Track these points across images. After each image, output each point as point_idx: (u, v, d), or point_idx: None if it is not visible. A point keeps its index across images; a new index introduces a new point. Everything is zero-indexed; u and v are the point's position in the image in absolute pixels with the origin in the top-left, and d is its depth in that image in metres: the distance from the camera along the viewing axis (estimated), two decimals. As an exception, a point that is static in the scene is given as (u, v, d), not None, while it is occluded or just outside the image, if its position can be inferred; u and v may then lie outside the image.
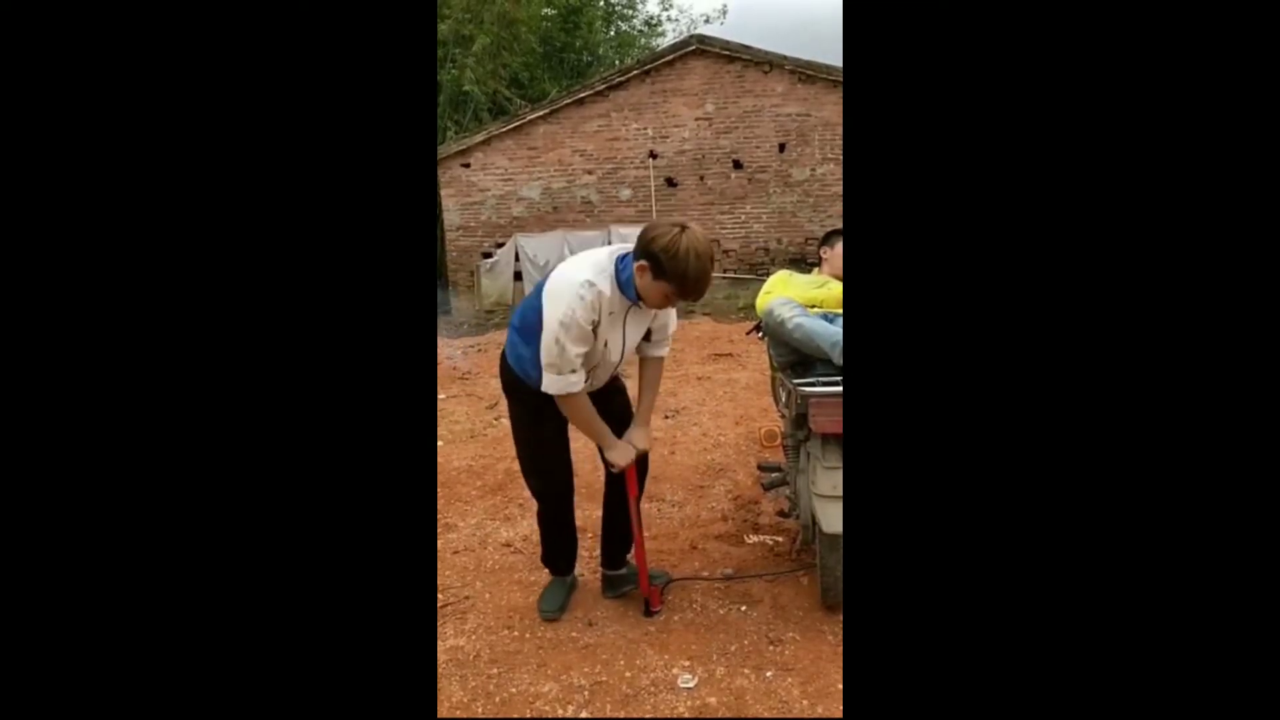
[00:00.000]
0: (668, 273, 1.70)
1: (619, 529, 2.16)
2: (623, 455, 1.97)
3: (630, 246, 1.80)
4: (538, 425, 2.01)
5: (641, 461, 2.10)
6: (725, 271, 8.94)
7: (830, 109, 8.52)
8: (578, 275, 1.77)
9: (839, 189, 8.58)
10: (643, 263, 1.72)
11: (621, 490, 2.09)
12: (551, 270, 1.89)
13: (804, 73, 8.50)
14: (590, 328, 1.77)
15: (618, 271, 1.79)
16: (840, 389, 2.13)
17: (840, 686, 1.79)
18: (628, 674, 1.88)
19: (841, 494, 2.02)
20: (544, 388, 1.84)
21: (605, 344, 1.87)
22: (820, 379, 2.15)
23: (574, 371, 1.81)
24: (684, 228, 1.71)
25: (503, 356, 2.02)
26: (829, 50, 8.28)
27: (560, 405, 1.89)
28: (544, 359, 1.81)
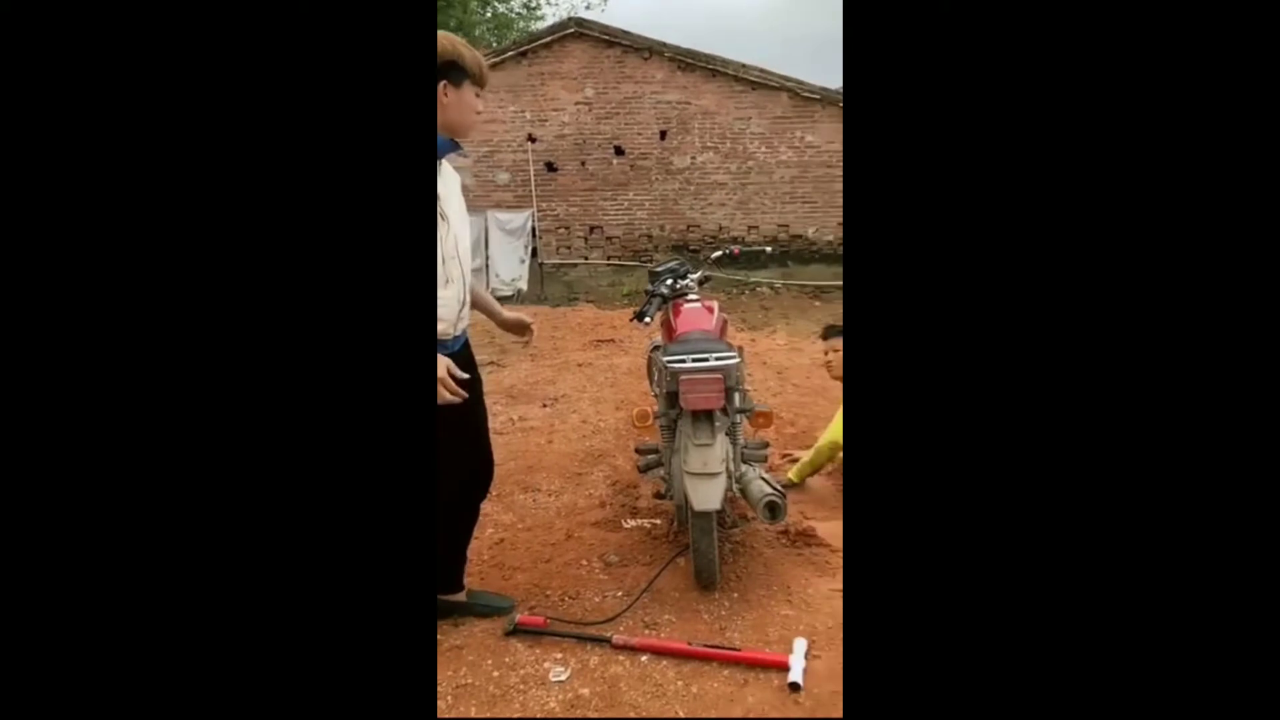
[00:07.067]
0: (467, 67, 1.62)
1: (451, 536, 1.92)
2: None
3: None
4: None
5: (486, 465, 1.97)
6: (609, 259, 8.89)
7: (709, 98, 8.61)
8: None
9: (719, 177, 8.70)
10: (441, 84, 1.60)
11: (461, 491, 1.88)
12: None
13: (683, 60, 8.52)
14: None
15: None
16: (710, 364, 2.10)
17: (716, 666, 1.77)
18: (495, 673, 1.77)
19: (712, 471, 1.99)
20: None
21: (455, 235, 1.66)
22: (690, 355, 2.11)
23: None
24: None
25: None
26: (705, 42, 8.39)
27: None
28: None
